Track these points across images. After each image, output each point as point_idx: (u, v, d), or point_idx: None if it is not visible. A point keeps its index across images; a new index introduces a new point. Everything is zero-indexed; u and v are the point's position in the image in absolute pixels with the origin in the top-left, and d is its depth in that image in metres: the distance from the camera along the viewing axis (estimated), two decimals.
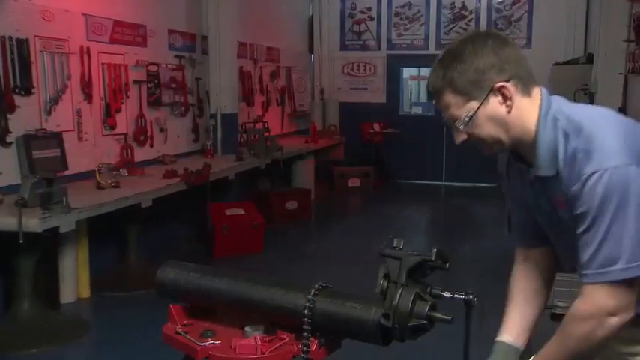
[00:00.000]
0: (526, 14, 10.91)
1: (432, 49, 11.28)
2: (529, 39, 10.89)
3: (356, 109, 11.40)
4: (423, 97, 12.96)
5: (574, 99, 8.42)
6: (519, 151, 1.73)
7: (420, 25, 11.40)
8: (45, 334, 4.45)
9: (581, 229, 1.56)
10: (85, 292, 5.24)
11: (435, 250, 1.63)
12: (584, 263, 1.57)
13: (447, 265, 1.63)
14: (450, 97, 1.66)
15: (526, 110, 1.66)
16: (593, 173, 1.51)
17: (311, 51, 11.72)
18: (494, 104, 1.64)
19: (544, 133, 1.63)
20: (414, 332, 1.62)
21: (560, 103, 1.68)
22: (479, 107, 1.64)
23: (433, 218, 9.66)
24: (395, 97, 11.80)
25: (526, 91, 1.66)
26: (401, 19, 11.47)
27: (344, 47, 11.77)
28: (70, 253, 5.06)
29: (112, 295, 5.38)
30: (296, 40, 11.10)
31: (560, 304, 3.53)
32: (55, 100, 5.35)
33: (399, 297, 1.59)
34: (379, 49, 11.64)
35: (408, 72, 12.18)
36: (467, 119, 1.65)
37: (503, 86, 1.63)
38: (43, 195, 4.32)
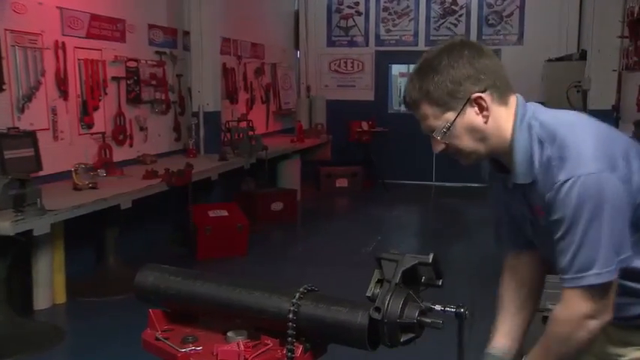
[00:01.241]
0: (518, 9, 10.85)
1: (421, 46, 11.21)
2: (521, 35, 10.86)
3: (343, 107, 11.29)
4: None
5: (567, 96, 8.40)
6: (499, 160, 1.77)
7: (409, 21, 11.32)
8: (18, 342, 4.35)
9: (557, 236, 1.61)
10: (61, 298, 5.14)
11: (432, 254, 1.60)
12: (562, 269, 1.63)
13: (441, 282, 1.62)
14: (426, 109, 1.69)
15: (503, 119, 1.69)
16: (566, 180, 1.55)
17: (297, 47, 11.64)
18: (471, 115, 1.67)
19: (519, 141, 1.67)
20: (403, 331, 1.58)
21: (535, 110, 1.70)
22: (456, 118, 1.67)
23: (423, 219, 9.59)
24: (383, 94, 11.70)
25: (503, 101, 1.69)
26: (389, 14, 11.38)
27: (331, 43, 11.69)
28: (44, 257, 4.96)
29: (89, 300, 5.28)
30: (281, 35, 11.03)
31: (551, 306, 3.39)
32: (28, 98, 5.24)
33: (392, 294, 1.57)
34: (367, 45, 11.56)
35: (396, 69, 12.10)
36: (444, 130, 1.68)
37: (479, 97, 1.66)
38: (15, 196, 4.28)
